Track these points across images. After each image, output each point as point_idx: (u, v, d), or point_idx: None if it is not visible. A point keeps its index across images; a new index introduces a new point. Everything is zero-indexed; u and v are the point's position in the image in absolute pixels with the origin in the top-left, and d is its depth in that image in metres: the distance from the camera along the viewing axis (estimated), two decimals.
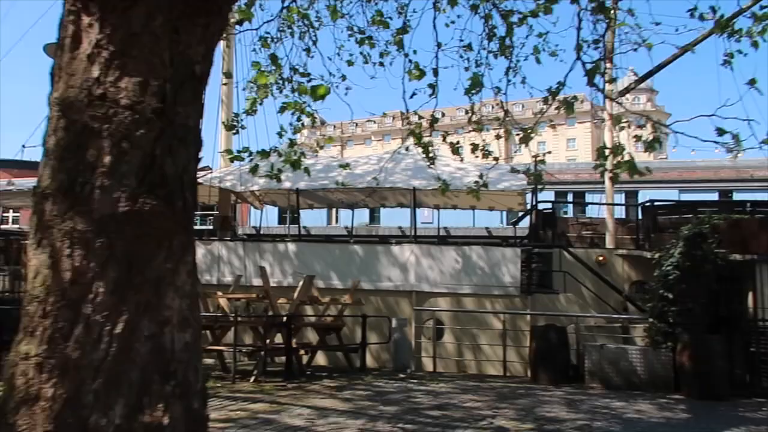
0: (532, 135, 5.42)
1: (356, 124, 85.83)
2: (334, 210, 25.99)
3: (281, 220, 27.59)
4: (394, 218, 25.43)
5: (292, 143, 6.93)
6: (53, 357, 2.20)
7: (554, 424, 5.23)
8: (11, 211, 32.53)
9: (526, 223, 15.35)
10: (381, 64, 7.33)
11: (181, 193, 2.45)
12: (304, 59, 7.04)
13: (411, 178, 13.55)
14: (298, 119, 6.80)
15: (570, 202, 23.51)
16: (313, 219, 24.93)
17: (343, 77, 7.37)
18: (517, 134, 5.64)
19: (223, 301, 9.65)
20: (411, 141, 6.56)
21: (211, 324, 8.74)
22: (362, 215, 27.15)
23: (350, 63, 7.26)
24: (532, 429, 4.96)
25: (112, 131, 2.29)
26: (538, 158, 5.76)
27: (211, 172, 14.11)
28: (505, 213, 23.78)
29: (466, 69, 6.59)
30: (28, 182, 21.96)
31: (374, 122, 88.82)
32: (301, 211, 16.35)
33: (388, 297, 11.76)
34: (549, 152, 6.26)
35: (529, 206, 14.07)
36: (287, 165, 6.23)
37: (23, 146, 31.29)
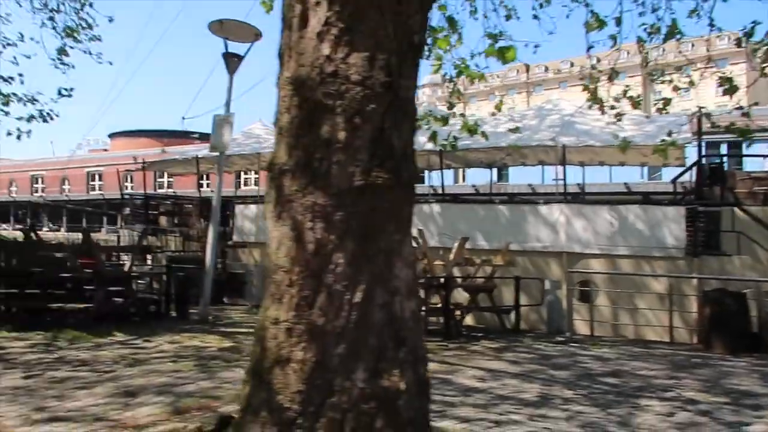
0: (738, 87, 4.89)
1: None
2: (461, 169, 25.63)
3: None
4: (521, 176, 24.65)
5: (451, 106, 6.88)
6: (301, 323, 2.35)
7: (750, 398, 4.83)
8: (166, 176, 35.46)
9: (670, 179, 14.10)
10: (536, 17, 7.03)
11: (406, 165, 2.48)
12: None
13: (559, 135, 12.98)
14: (452, 82, 6.69)
15: (754, 155, 20.27)
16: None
17: (500, 33, 7.10)
18: (718, 83, 5.13)
19: None
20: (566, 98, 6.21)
21: None
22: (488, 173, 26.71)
23: (508, 17, 6.99)
24: (727, 403, 4.62)
25: (345, 107, 2.35)
26: (744, 110, 5.18)
27: None
28: (646, 168, 22.06)
29: (641, 15, 6.10)
30: (180, 150, 23.98)
31: (497, 76, 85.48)
32: (433, 171, 16.28)
33: (537, 258, 11.49)
34: (756, 103, 5.59)
35: (689, 161, 12.90)
36: (464, 131, 6.21)
37: (183, 118, 34.28)
